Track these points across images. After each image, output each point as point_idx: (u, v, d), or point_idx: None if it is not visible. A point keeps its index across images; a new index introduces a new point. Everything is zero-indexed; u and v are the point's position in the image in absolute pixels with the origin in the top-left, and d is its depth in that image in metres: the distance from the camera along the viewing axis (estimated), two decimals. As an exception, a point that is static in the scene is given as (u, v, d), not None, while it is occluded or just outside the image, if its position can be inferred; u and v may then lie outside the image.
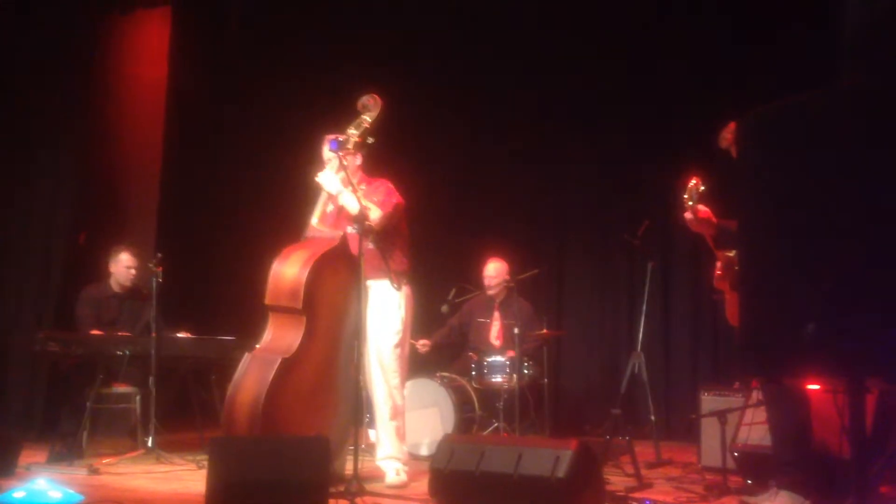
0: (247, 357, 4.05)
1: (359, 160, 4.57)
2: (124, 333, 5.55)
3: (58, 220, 6.51)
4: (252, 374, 3.94)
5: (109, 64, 6.96)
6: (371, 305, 4.46)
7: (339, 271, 4.22)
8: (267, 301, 4.15)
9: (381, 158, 4.75)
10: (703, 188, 3.89)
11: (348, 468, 3.92)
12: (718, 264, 4.00)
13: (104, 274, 5.90)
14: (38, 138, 6.55)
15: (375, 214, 4.35)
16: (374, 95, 4.38)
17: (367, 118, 4.33)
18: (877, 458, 3.12)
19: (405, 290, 4.56)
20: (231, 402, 3.95)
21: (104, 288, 5.86)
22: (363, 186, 4.51)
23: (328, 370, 4.16)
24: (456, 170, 7.99)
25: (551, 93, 7.87)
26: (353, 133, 4.31)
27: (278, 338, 4.09)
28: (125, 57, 7.23)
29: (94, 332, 5.55)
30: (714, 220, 3.88)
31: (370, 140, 4.35)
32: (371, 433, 4.96)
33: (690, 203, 3.87)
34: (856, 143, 1.91)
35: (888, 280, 1.76)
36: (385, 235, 4.44)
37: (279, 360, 3.92)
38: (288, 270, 4.10)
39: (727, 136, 3.81)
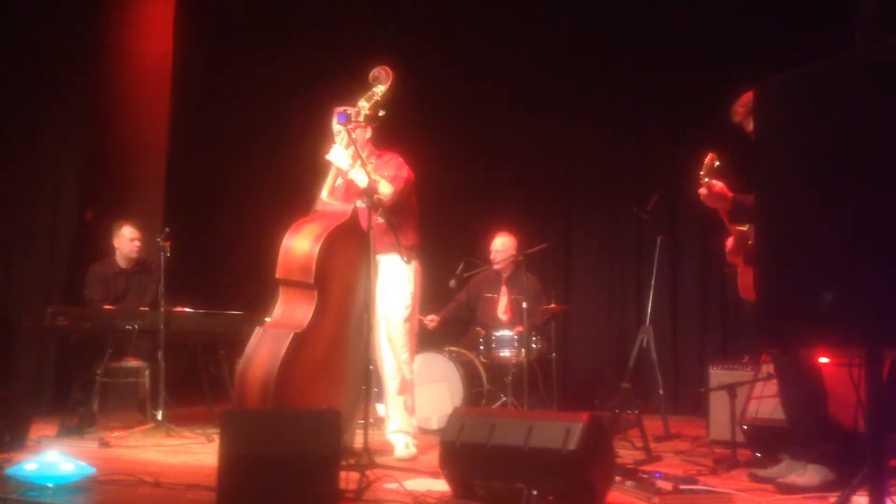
0: (258, 331, 4.03)
1: (369, 133, 4.54)
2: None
3: (64, 197, 6.51)
4: (264, 349, 3.92)
5: (114, 40, 6.91)
6: (380, 280, 4.45)
7: (349, 245, 4.20)
8: (278, 275, 4.13)
9: (389, 132, 4.72)
10: (717, 163, 3.86)
11: (358, 442, 3.93)
12: (730, 239, 3.97)
13: (110, 250, 5.90)
14: (43, 116, 6.53)
15: (386, 189, 4.33)
16: (386, 67, 4.34)
17: (378, 90, 4.29)
18: (890, 431, 3.11)
19: (414, 264, 4.55)
20: (243, 376, 3.93)
21: (110, 264, 5.87)
22: (373, 160, 4.49)
23: (338, 344, 4.14)
24: (464, 144, 7.96)
25: (561, 66, 7.81)
26: (363, 105, 4.27)
27: (289, 312, 4.08)
28: (130, 33, 7.18)
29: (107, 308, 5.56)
30: (729, 194, 3.85)
31: (381, 113, 4.31)
32: (380, 407, 4.97)
33: (706, 179, 3.84)
34: (873, 110, 1.87)
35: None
36: (395, 210, 4.42)
37: (291, 335, 3.90)
38: (299, 244, 4.08)
39: (740, 109, 3.76)
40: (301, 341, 3.93)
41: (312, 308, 4.01)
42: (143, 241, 5.83)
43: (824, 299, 1.80)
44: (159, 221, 6.44)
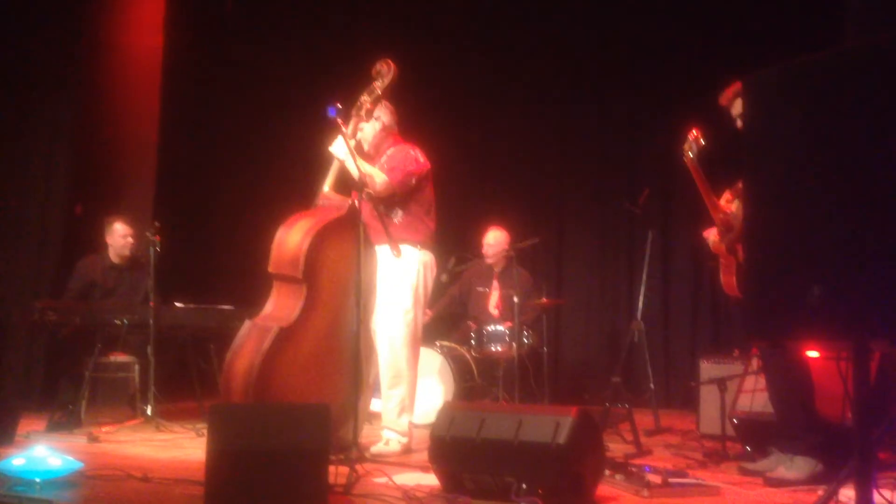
0: (247, 324, 4.03)
1: (377, 124, 4.48)
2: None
3: (53, 191, 6.48)
4: (249, 343, 3.92)
5: (104, 33, 6.87)
6: (380, 271, 4.39)
7: (345, 240, 4.13)
8: (270, 269, 4.12)
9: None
10: (703, 142, 3.86)
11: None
12: (714, 229, 3.97)
13: (101, 245, 5.87)
14: (32, 110, 6.49)
15: (380, 180, 4.29)
16: (388, 61, 4.33)
17: (378, 84, 4.29)
18: (877, 424, 3.13)
19: (421, 257, 4.44)
20: (228, 369, 3.94)
21: (102, 259, 5.84)
22: (390, 150, 4.47)
23: (331, 339, 4.10)
24: (455, 138, 7.93)
25: (552, 61, 7.81)
26: (365, 99, 4.28)
27: (279, 306, 4.07)
28: (120, 25, 7.14)
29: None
30: (736, 225, 3.85)
31: (382, 104, 4.37)
32: (377, 402, 4.94)
33: (690, 153, 3.84)
34: (863, 104, 1.87)
35: (894, 241, 1.74)
36: (395, 202, 4.37)
37: (276, 329, 3.90)
38: (291, 238, 4.06)
39: (729, 94, 3.75)
40: (286, 335, 3.91)
41: (301, 303, 3.99)
42: (135, 236, 5.80)
43: (812, 292, 1.80)
44: (149, 216, 6.42)
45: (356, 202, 4.04)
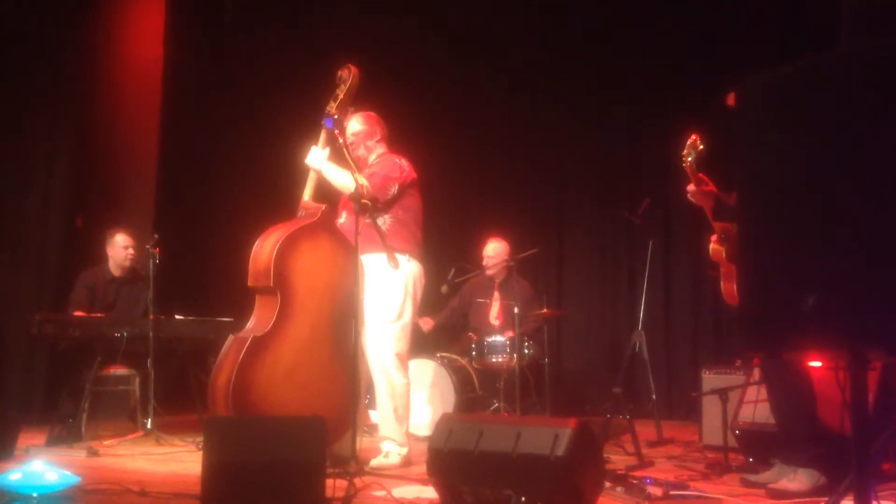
0: (230, 338, 4.05)
1: (355, 127, 4.50)
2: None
3: (54, 203, 6.49)
4: (228, 355, 3.94)
5: (105, 44, 6.90)
6: (367, 281, 4.38)
7: (320, 246, 4.16)
8: (249, 282, 4.14)
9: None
10: (701, 146, 3.84)
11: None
12: (714, 237, 3.95)
13: (102, 258, 5.87)
14: (33, 120, 6.51)
15: (354, 187, 4.28)
16: (350, 66, 4.36)
17: (340, 90, 4.32)
18: (879, 435, 3.10)
19: (409, 267, 4.44)
20: (212, 382, 3.96)
21: (102, 272, 5.84)
22: (378, 160, 4.50)
23: (317, 348, 4.08)
24: (455, 148, 7.95)
25: (550, 70, 7.81)
26: (331, 106, 4.33)
27: (258, 318, 4.09)
28: (121, 36, 7.16)
29: (79, 313, 5.52)
30: (714, 191, 3.84)
31: (350, 110, 4.38)
32: (373, 413, 4.92)
33: (689, 159, 3.82)
34: (859, 111, 1.86)
35: (890, 251, 1.72)
36: (376, 208, 4.36)
37: (250, 339, 3.91)
38: (262, 249, 4.09)
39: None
40: (260, 345, 3.91)
41: (275, 312, 3.99)
42: (136, 248, 5.80)
43: (807, 302, 1.78)
44: (149, 228, 6.42)
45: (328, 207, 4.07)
